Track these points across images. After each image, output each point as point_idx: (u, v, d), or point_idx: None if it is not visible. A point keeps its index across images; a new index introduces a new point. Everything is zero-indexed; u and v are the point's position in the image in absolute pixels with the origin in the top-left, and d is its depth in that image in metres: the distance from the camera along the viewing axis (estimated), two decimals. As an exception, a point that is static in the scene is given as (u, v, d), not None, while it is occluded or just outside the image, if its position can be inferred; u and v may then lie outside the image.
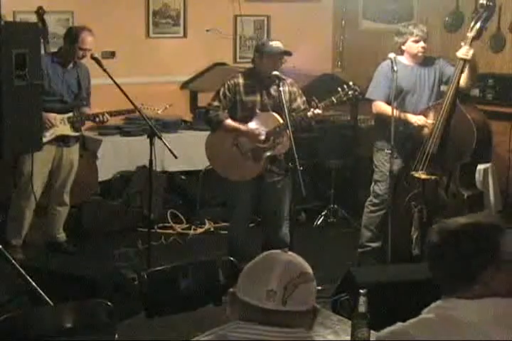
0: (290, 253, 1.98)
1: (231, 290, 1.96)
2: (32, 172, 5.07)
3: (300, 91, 5.36)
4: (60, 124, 5.59)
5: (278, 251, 1.97)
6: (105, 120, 5.69)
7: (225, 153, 5.35)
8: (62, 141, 5.69)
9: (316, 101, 5.18)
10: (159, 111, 6.02)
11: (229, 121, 5.27)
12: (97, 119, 5.69)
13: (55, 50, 5.78)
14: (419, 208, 5.43)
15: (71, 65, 5.68)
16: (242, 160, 5.31)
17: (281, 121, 5.14)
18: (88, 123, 6.42)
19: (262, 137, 5.21)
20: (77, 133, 5.78)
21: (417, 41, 5.41)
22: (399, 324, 2.17)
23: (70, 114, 5.67)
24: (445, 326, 2.10)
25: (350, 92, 5.18)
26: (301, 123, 5.17)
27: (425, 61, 5.53)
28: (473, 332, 2.07)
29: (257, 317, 1.88)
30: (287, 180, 5.21)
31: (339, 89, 5.18)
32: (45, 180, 5.73)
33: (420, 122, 5.36)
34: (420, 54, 5.46)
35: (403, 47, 5.47)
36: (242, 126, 5.25)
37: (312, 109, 5.14)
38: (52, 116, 5.52)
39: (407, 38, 5.42)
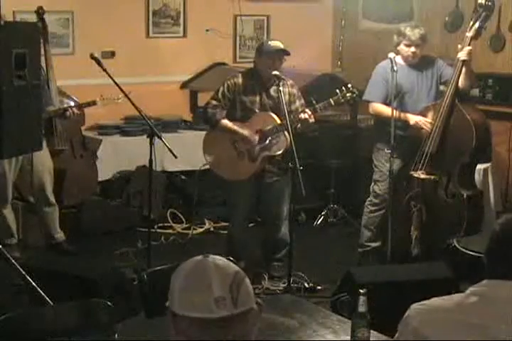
0: (211, 255, 1.88)
1: (169, 309, 1.86)
2: (32, 172, 5.04)
3: (300, 94, 5.36)
4: None
5: (199, 257, 1.87)
6: (75, 113, 5.68)
7: (222, 152, 5.35)
8: None
9: (314, 102, 5.19)
10: (119, 101, 5.82)
11: (225, 122, 5.27)
12: (68, 113, 5.67)
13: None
14: (419, 208, 5.43)
15: None
16: (238, 159, 5.32)
17: (279, 121, 5.14)
18: (88, 123, 6.44)
19: (255, 142, 5.23)
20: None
21: (408, 45, 5.41)
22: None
23: None
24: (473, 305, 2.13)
25: (348, 95, 5.18)
26: (296, 126, 5.17)
27: (423, 61, 5.53)
28: (496, 307, 2.10)
29: (210, 330, 1.79)
30: (286, 180, 5.21)
31: (337, 91, 5.18)
32: (14, 180, 5.67)
33: (418, 124, 5.36)
34: (411, 58, 5.45)
35: (398, 48, 5.47)
36: (237, 129, 5.26)
37: (303, 114, 5.12)
38: None
39: (401, 40, 5.42)
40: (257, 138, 5.23)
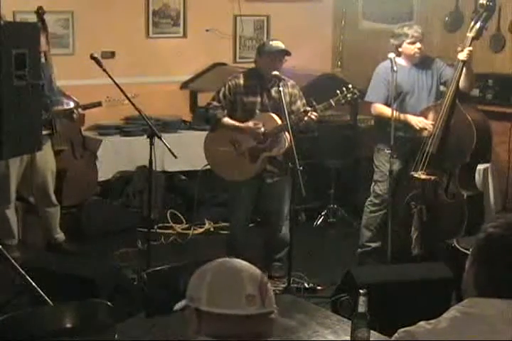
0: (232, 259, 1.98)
1: (189, 306, 1.89)
2: (34, 172, 5.04)
3: (301, 94, 5.36)
4: None
5: (221, 259, 1.95)
6: (79, 114, 5.67)
7: (222, 152, 5.36)
8: None
9: (314, 103, 5.18)
10: (125, 103, 5.79)
11: (227, 119, 5.28)
12: (75, 115, 5.66)
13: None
14: (419, 208, 5.43)
15: None
16: (239, 160, 5.32)
17: (280, 122, 5.14)
18: (88, 123, 6.43)
19: (261, 130, 5.21)
20: (46, 132, 5.68)
21: (412, 42, 5.42)
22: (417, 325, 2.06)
23: None
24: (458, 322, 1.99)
25: (349, 95, 5.17)
26: (298, 126, 5.17)
27: (423, 62, 5.53)
28: (481, 324, 1.96)
29: (235, 328, 1.85)
30: (287, 180, 5.21)
31: (338, 91, 5.18)
32: (19, 180, 5.68)
33: (421, 125, 5.36)
34: (417, 55, 5.46)
35: (400, 49, 5.47)
36: (240, 124, 5.26)
37: (307, 115, 5.12)
38: None
39: (403, 40, 5.42)
40: (262, 128, 5.21)
